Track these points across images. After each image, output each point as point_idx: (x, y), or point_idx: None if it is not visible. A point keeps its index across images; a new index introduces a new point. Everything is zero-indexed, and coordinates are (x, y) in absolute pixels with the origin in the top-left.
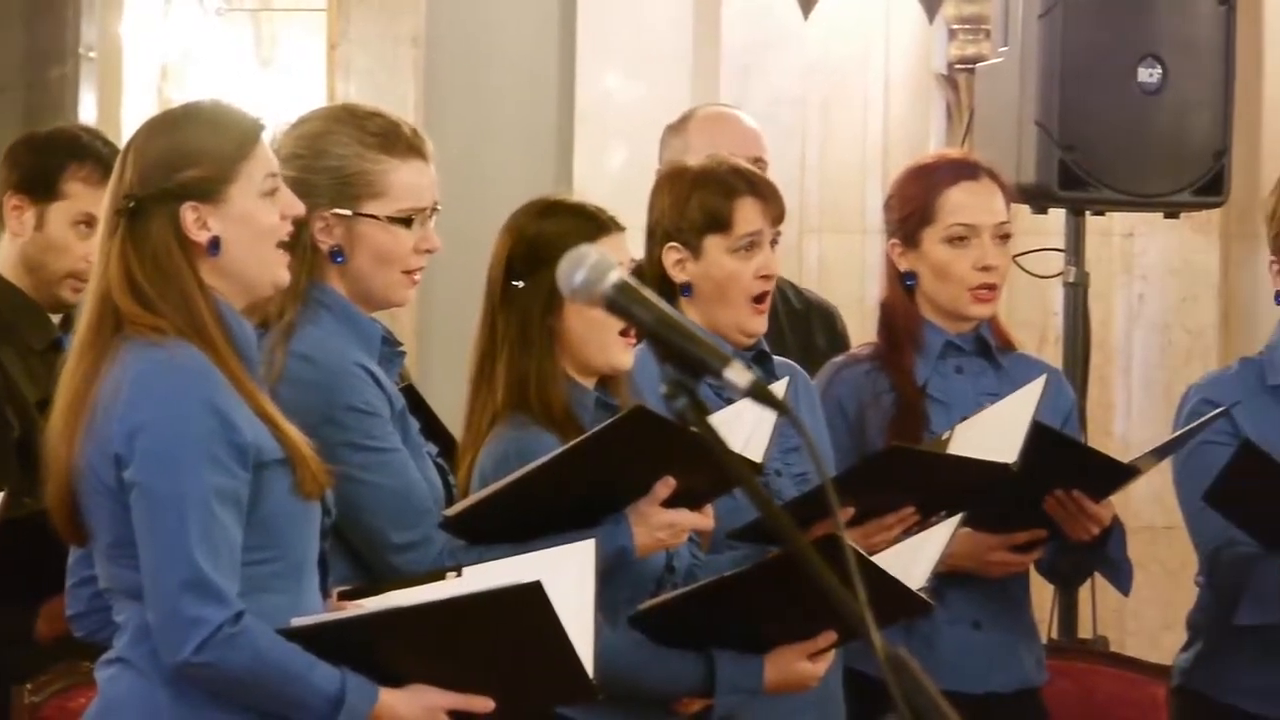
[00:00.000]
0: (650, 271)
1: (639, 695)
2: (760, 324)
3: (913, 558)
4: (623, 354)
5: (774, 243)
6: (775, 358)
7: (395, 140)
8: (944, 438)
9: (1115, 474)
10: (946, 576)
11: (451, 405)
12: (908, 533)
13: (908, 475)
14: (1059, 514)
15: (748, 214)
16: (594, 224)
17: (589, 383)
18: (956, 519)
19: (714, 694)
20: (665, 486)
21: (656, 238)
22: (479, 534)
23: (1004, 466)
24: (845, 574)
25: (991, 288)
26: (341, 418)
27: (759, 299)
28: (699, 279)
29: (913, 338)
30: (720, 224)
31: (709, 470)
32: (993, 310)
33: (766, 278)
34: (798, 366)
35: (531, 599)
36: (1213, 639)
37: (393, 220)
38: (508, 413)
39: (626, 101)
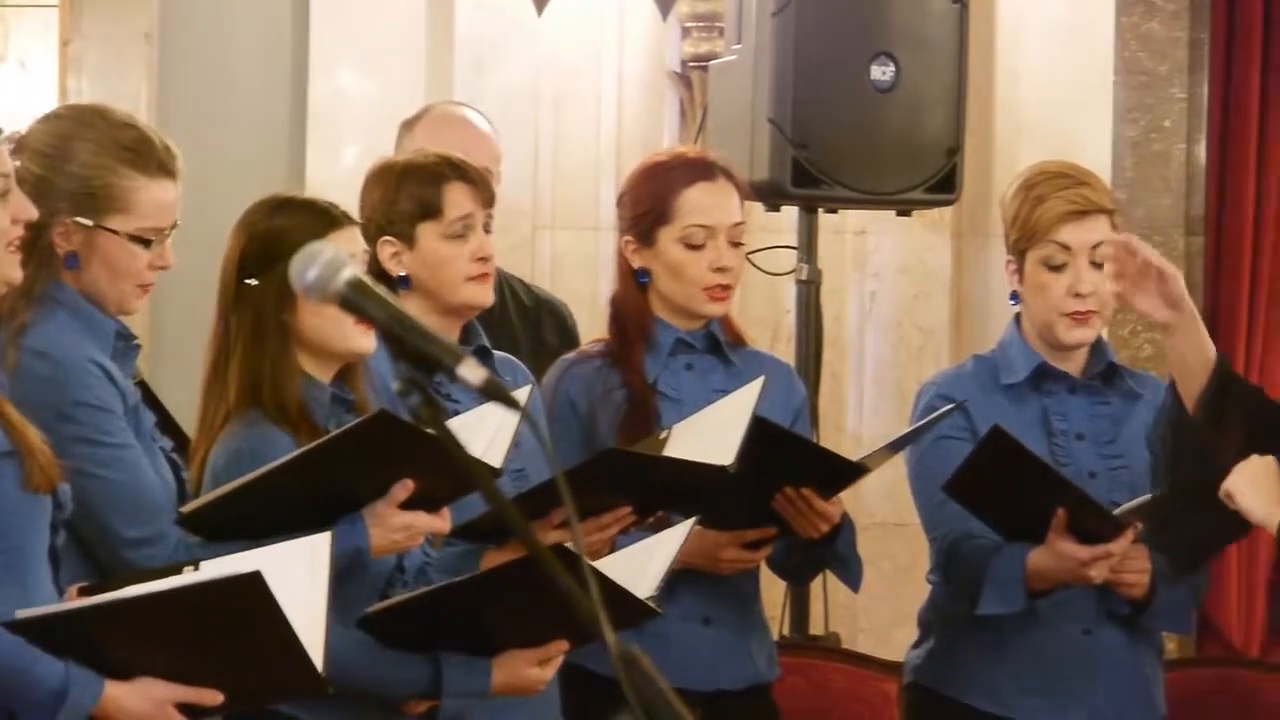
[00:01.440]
0: (368, 268)
1: (367, 695)
2: (486, 294)
3: (645, 561)
4: (363, 339)
5: (487, 227)
6: (496, 353)
7: (148, 157)
8: (662, 437)
9: (844, 471)
10: (677, 574)
11: (183, 402)
12: (625, 532)
13: (626, 476)
14: (788, 511)
15: (457, 198)
16: (326, 219)
17: (326, 377)
18: (689, 524)
19: (440, 696)
20: (403, 489)
21: (370, 233)
22: (215, 531)
23: (720, 469)
24: (579, 575)
25: (726, 288)
26: (73, 413)
27: (479, 278)
28: (416, 269)
29: (644, 334)
30: (431, 211)
31: (448, 473)
32: (726, 309)
33: (484, 259)
34: (519, 363)
35: (251, 589)
36: (944, 635)
37: (133, 238)
38: (241, 410)
39: (360, 99)
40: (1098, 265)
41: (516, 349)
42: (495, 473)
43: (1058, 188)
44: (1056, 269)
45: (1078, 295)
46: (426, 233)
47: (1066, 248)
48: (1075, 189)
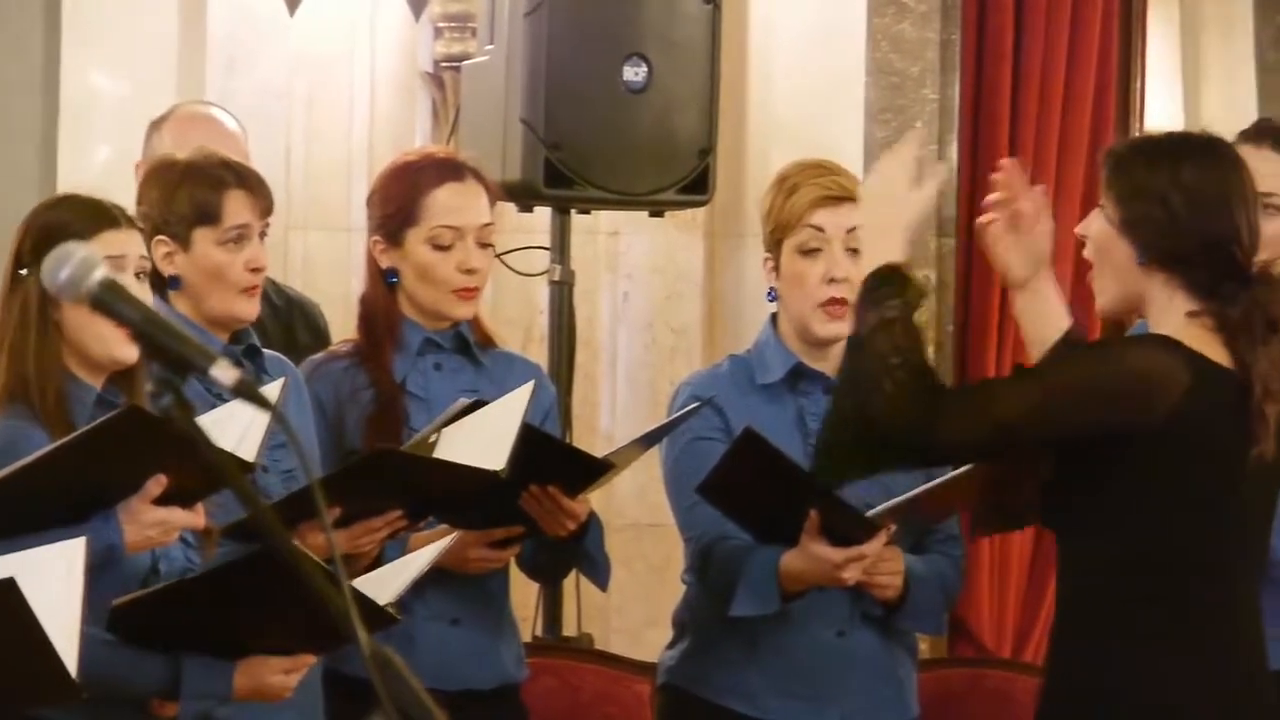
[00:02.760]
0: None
1: (108, 694)
2: (252, 309)
3: (396, 573)
4: (123, 347)
5: (262, 235)
6: (266, 352)
7: None
8: (430, 440)
9: (591, 470)
10: (425, 573)
11: None
12: (394, 536)
13: (398, 479)
14: (536, 510)
15: (236, 206)
16: (105, 217)
17: (96, 381)
18: (447, 540)
19: (179, 696)
20: (157, 484)
21: (145, 231)
22: None
23: (494, 474)
24: (331, 574)
25: (473, 289)
26: None
27: (249, 291)
28: (188, 271)
29: (392, 334)
30: (209, 217)
31: (202, 468)
32: (474, 310)
33: (256, 270)
34: (290, 362)
35: (4, 597)
36: (698, 636)
37: None
38: (5, 403)
39: (111, 98)
40: (853, 253)
41: (267, 349)
42: (247, 467)
43: (811, 176)
44: (811, 253)
45: (833, 281)
46: (202, 237)
47: (821, 230)
48: (828, 177)
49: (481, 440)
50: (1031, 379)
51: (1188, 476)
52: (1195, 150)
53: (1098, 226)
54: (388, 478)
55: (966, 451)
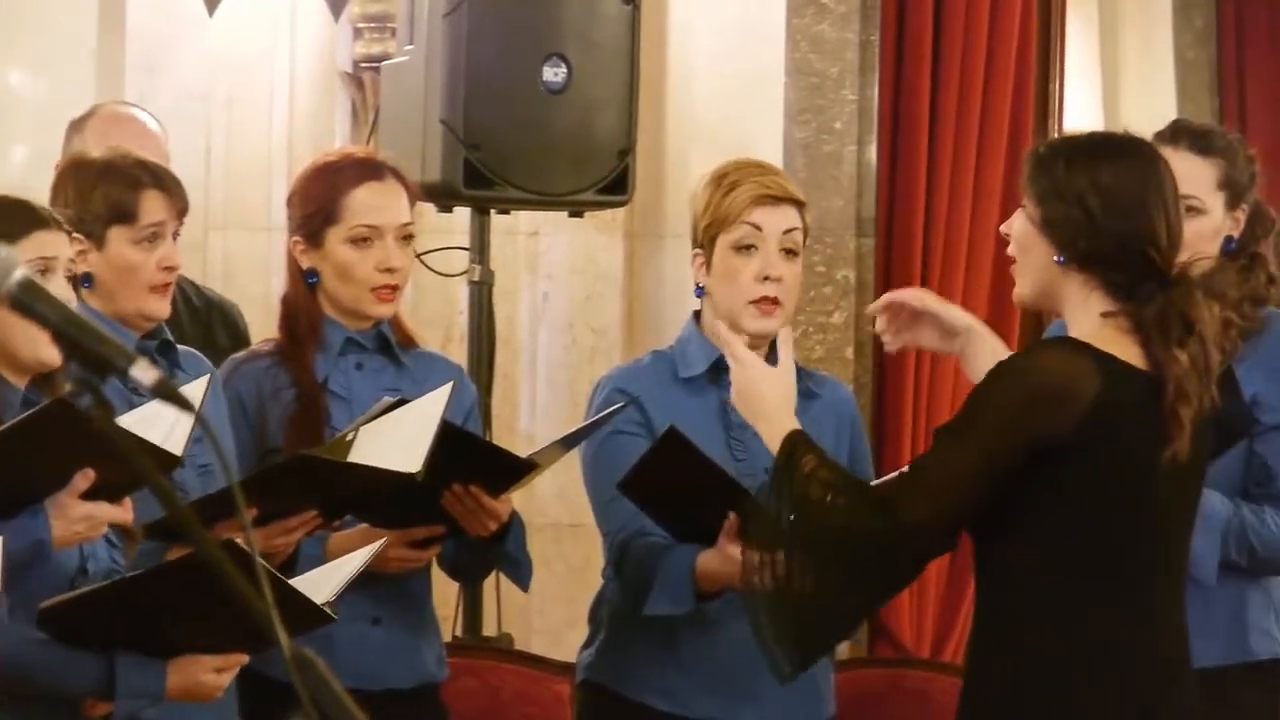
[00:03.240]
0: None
1: (39, 694)
2: (163, 308)
3: (330, 574)
4: (49, 349)
5: (176, 235)
6: (181, 348)
7: None
8: (348, 439)
9: (514, 469)
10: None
11: None
12: (311, 535)
13: (314, 481)
14: (457, 509)
15: (152, 206)
16: (32, 218)
17: (21, 381)
18: (380, 543)
19: (113, 696)
20: (84, 479)
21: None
22: None
23: (410, 477)
24: (252, 576)
25: (393, 288)
26: None
27: (160, 289)
28: (101, 269)
29: (313, 334)
30: (125, 216)
31: (127, 464)
32: (394, 310)
33: (169, 269)
34: (204, 358)
35: None
36: (615, 632)
37: None
38: None
39: (30, 98)
40: (789, 254)
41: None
42: (174, 461)
43: (751, 174)
44: (746, 250)
45: (767, 279)
46: (117, 236)
47: (758, 229)
48: (769, 176)
49: (399, 440)
50: (952, 440)
51: (1101, 480)
52: (1115, 151)
53: (1019, 225)
54: (304, 480)
55: (937, 532)
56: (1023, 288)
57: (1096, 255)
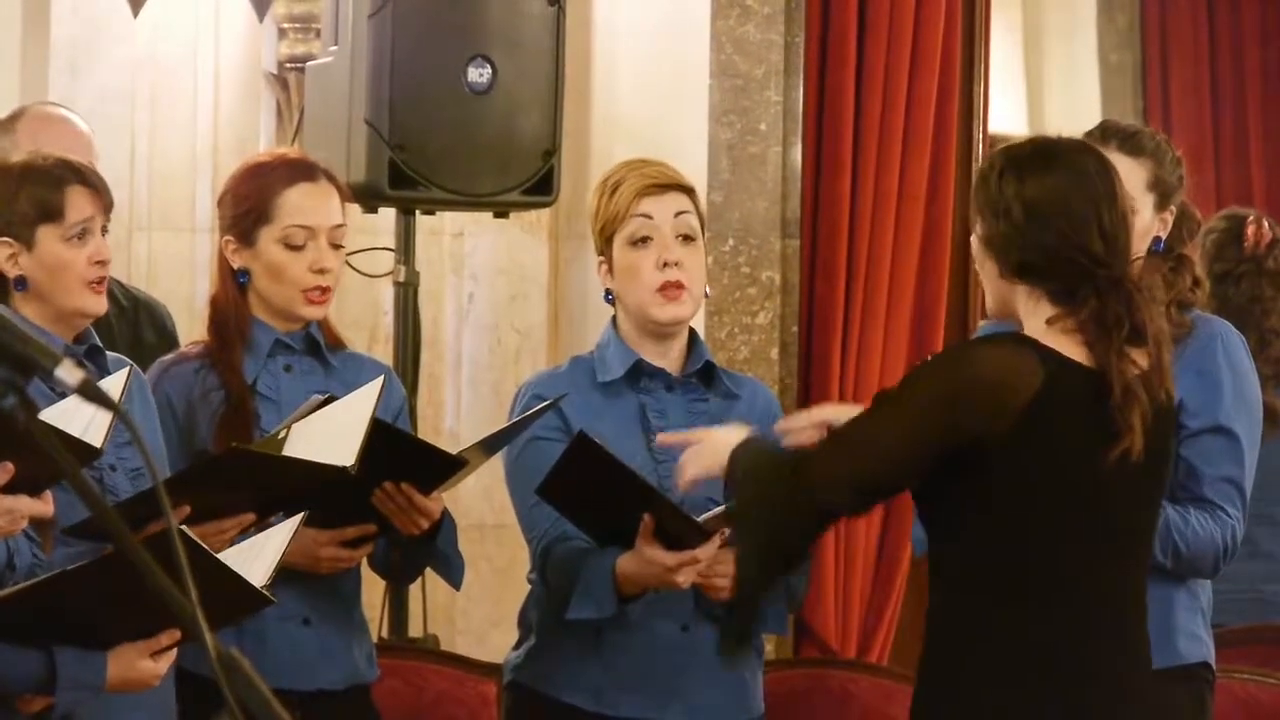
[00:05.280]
0: None
1: None
2: (100, 303)
3: (254, 557)
4: None
5: (104, 231)
6: (110, 354)
7: None
8: (280, 436)
9: (444, 467)
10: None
11: None
12: (244, 534)
13: (247, 476)
14: (388, 508)
15: (79, 202)
16: None
17: None
18: (298, 519)
19: (55, 690)
20: (3, 472)
21: None
22: None
23: (343, 470)
24: (179, 573)
25: (325, 290)
26: None
27: (95, 285)
28: (34, 271)
29: (243, 335)
30: (52, 214)
31: (47, 458)
32: (325, 312)
33: (101, 263)
34: (131, 362)
35: None
36: (543, 635)
37: None
38: None
39: None
40: (686, 239)
41: (114, 349)
42: (95, 453)
43: (633, 169)
44: (642, 242)
45: (666, 265)
46: (46, 235)
47: (649, 218)
48: (650, 167)
49: (331, 436)
50: (881, 410)
51: (1042, 477)
52: (1042, 162)
53: (973, 241)
54: (237, 475)
55: (845, 489)
56: (988, 301)
57: (1029, 267)
